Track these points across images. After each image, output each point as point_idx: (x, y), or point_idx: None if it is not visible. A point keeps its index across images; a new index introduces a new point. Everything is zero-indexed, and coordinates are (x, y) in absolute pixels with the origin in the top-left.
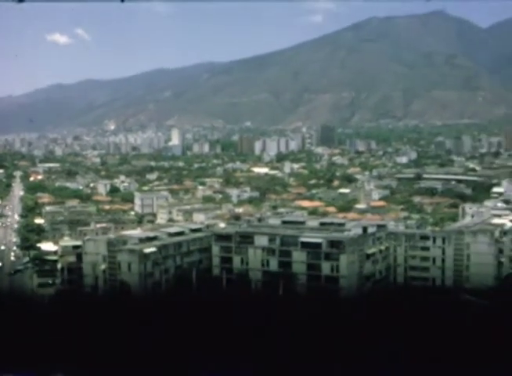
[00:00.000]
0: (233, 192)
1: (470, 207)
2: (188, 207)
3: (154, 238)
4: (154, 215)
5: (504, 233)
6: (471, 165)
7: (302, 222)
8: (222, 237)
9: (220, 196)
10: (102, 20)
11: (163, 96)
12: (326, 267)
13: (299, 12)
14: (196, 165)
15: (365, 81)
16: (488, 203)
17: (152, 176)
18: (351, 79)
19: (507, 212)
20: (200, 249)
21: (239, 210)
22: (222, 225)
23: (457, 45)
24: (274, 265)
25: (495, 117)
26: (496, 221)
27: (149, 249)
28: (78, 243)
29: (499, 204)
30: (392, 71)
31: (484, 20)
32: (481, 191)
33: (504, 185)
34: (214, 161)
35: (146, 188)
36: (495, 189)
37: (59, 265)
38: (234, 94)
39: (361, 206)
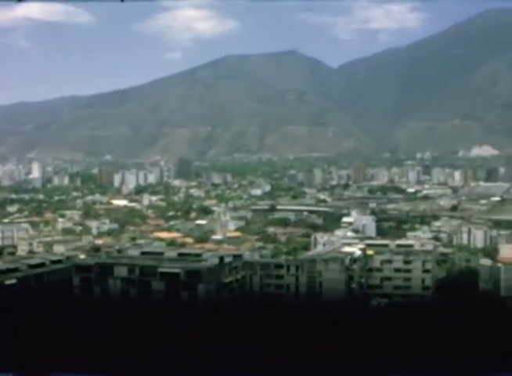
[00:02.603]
0: (93, 224)
1: (321, 237)
2: (48, 238)
3: (15, 270)
4: (15, 246)
5: (354, 260)
6: (322, 197)
7: (161, 253)
8: (82, 268)
9: (80, 228)
10: None
11: (24, 129)
12: (184, 296)
13: (158, 48)
14: (56, 198)
15: (222, 116)
16: (338, 232)
17: (12, 208)
18: (208, 114)
19: (356, 241)
20: (61, 280)
21: (99, 241)
22: (82, 256)
23: (309, 83)
24: (134, 295)
25: (344, 151)
26: (346, 249)
27: (10, 281)
28: None
29: (349, 233)
30: (247, 107)
31: (334, 60)
32: (331, 221)
33: (353, 215)
34: (74, 194)
35: (6, 220)
36: (345, 219)
37: None
38: (95, 127)
39: (217, 237)
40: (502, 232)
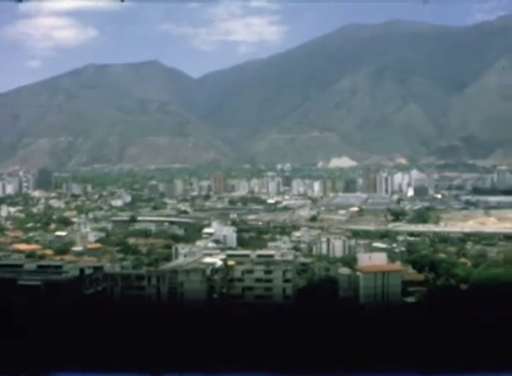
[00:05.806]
0: None
1: (182, 248)
2: None
3: None
4: None
5: (215, 271)
6: (183, 207)
7: (20, 266)
8: None
9: None
10: None
11: None
12: (44, 309)
13: (18, 56)
14: None
15: (83, 126)
16: (199, 243)
17: None
18: (69, 124)
19: (217, 251)
20: None
21: None
22: None
23: (170, 93)
24: None
25: (204, 162)
26: (208, 260)
27: None
28: None
29: (210, 244)
30: (109, 117)
31: (195, 71)
32: (192, 232)
33: (214, 226)
34: None
35: None
36: (206, 230)
37: None
38: None
39: (77, 248)
40: (361, 241)
